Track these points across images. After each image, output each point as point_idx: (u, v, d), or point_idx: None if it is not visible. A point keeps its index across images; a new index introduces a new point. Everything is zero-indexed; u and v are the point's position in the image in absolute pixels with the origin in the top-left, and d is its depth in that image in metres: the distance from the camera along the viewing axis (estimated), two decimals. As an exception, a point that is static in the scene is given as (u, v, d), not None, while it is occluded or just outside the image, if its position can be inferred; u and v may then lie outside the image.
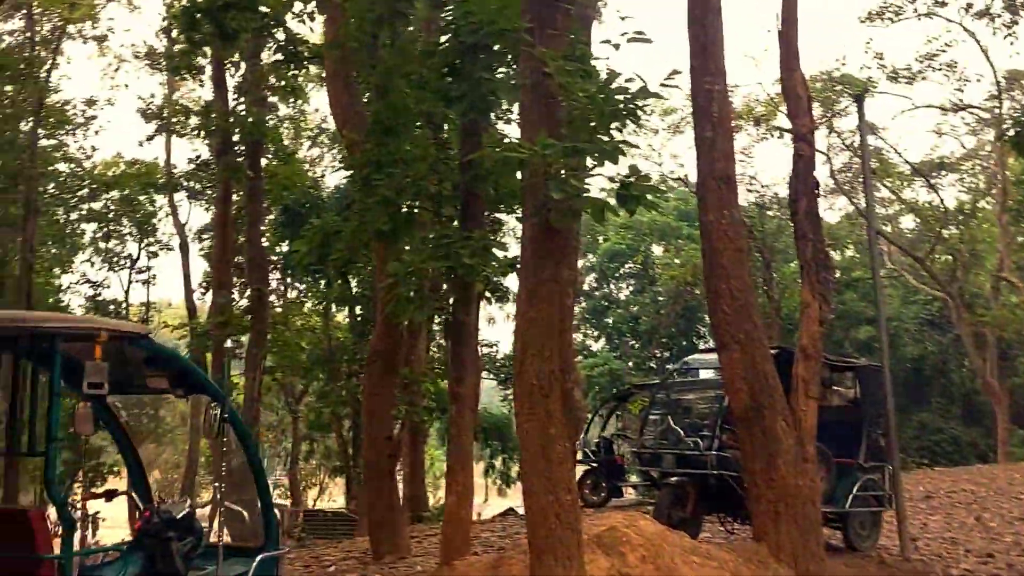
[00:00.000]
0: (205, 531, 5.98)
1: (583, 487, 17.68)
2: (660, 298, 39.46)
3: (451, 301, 11.36)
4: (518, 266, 9.64)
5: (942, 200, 30.19)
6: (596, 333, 43.76)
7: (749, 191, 31.95)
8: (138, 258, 33.56)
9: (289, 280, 29.58)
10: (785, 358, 11.34)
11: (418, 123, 11.80)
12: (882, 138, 30.47)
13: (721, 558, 9.53)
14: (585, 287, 41.89)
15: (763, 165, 60.07)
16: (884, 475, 12.69)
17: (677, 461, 12.33)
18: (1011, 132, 12.69)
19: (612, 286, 43.35)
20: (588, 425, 19.21)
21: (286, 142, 30.04)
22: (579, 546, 8.38)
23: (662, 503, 12.08)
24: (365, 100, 13.02)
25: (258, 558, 5.89)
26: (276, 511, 6.25)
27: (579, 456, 17.69)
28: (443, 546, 10.86)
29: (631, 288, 42.56)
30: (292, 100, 28.12)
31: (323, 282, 25.09)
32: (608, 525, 9.41)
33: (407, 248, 11.21)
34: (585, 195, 8.55)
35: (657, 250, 41.17)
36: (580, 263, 41.33)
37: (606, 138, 8.44)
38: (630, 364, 39.48)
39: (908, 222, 34.90)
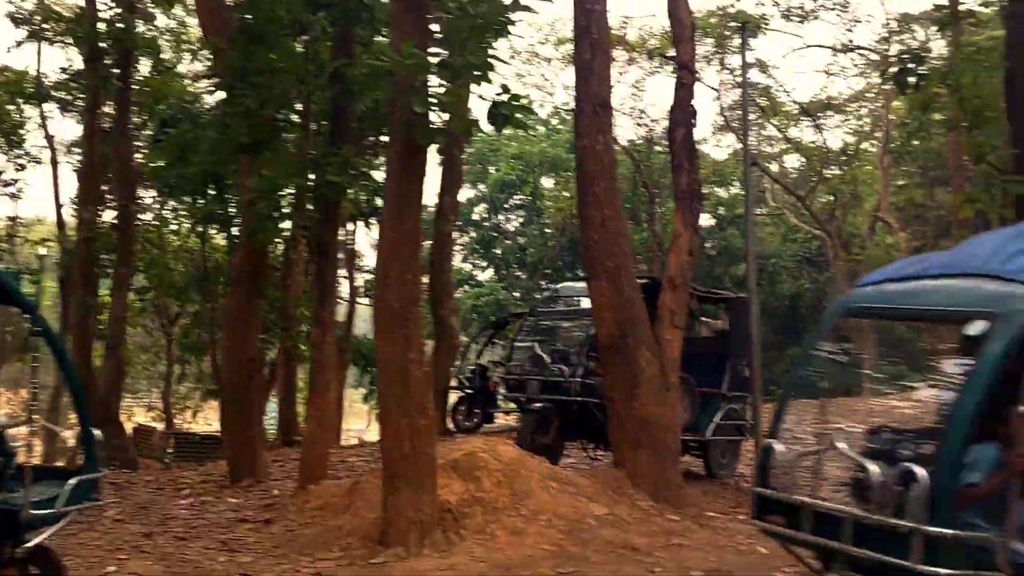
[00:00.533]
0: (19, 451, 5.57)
1: (457, 413, 17.65)
2: (548, 230, 39.45)
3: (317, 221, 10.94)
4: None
5: (825, 140, 30.75)
6: (484, 263, 43.60)
7: (639, 125, 31.91)
8: (3, 171, 31.75)
9: (163, 197, 28.44)
10: (655, 288, 11.35)
11: (287, 31, 11.20)
12: (772, 76, 30.72)
13: (578, 483, 9.55)
14: (475, 217, 41.62)
15: (653, 99, 59.75)
16: (746, 406, 12.93)
17: (542, 387, 12.33)
18: (893, 70, 12.76)
19: (501, 217, 43.13)
20: (465, 352, 19.12)
21: (167, 55, 28.65)
22: (433, 470, 8.28)
23: (525, 428, 12.08)
24: (233, 4, 12.30)
25: (72, 480, 5.52)
26: (96, 431, 5.87)
27: (453, 383, 17.65)
28: (301, 470, 10.65)
29: (520, 219, 42.43)
30: (169, 9, 26.78)
31: (199, 199, 24.13)
32: (466, 450, 9.33)
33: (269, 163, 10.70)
34: (453, 111, 8.29)
35: (547, 182, 41.03)
36: (471, 193, 41.03)
37: (478, 53, 8.14)
38: (517, 294, 39.51)
39: (793, 161, 35.48)
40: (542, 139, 38.32)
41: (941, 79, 11.63)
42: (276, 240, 14.34)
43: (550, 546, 8.28)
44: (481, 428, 17.56)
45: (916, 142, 26.62)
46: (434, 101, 7.96)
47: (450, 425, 17.26)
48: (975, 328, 4.56)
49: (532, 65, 32.28)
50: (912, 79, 11.49)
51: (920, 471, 4.35)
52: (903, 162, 30.25)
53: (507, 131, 32.31)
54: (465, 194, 39.81)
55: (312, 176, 9.97)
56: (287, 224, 11.88)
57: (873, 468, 4.57)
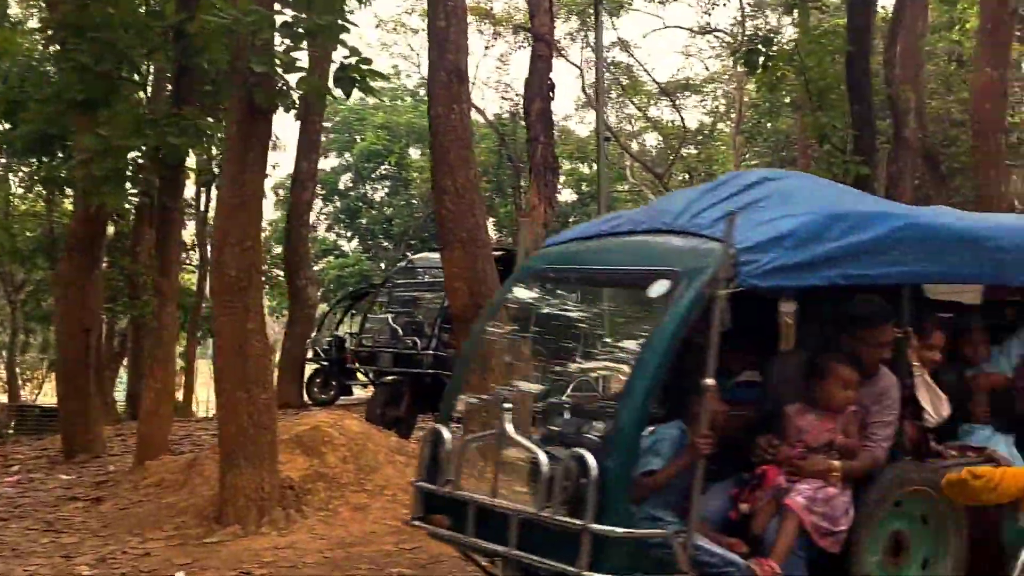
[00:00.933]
0: None
1: (313, 385, 17.36)
2: (414, 201, 39.14)
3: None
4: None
5: (683, 120, 31.41)
6: (349, 234, 42.96)
7: (504, 99, 31.94)
8: None
9: (6, 159, 26.88)
10: (511, 260, 11.33)
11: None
12: (633, 56, 31.14)
13: (427, 457, 9.45)
14: (340, 186, 40.95)
15: (519, 74, 59.60)
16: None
17: (394, 360, 12.18)
18: (744, 50, 13.11)
19: (367, 187, 42.54)
20: (322, 323, 18.79)
21: (13, 9, 27.04)
22: (273, 445, 8.04)
23: (375, 402, 11.92)
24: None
25: None
26: None
27: (309, 354, 17.31)
28: (138, 445, 10.24)
29: (386, 189, 41.93)
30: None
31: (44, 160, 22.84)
32: (311, 424, 9.13)
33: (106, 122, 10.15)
34: (299, 74, 8.02)
35: (414, 153, 40.66)
36: (336, 162, 40.29)
37: (328, 15, 7.87)
38: (383, 265, 39.10)
39: (652, 140, 36.15)
40: (409, 109, 37.94)
41: (788, 60, 11.95)
42: (125, 205, 13.71)
43: (394, 521, 8.15)
44: (338, 400, 17.31)
45: (769, 124, 27.48)
46: (277, 62, 7.66)
47: (307, 398, 16.96)
48: (657, 289, 3.96)
49: (398, 35, 31.90)
50: (761, 59, 11.75)
51: (589, 458, 3.69)
52: (755, 143, 31.17)
53: (372, 100, 31.68)
54: (330, 163, 39.10)
55: (150, 136, 9.50)
56: (129, 188, 11.34)
57: (541, 456, 3.88)
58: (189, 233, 24.32)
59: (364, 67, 8.00)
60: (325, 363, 17.38)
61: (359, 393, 18.45)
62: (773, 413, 4.49)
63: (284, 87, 7.85)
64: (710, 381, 3.75)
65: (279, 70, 7.68)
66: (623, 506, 3.72)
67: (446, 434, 4.54)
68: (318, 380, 17.40)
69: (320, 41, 8.20)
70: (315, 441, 8.82)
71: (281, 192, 29.84)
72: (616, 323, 4.60)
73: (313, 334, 17.65)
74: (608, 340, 4.49)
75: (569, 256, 4.80)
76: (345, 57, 7.98)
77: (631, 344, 4.16)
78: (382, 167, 40.81)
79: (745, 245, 3.89)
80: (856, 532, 4.17)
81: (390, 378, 12.10)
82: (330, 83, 8.32)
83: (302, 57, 8.21)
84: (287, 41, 7.85)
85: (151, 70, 13.51)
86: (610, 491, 3.67)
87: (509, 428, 4.18)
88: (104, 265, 14.67)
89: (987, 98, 11.95)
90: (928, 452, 4.78)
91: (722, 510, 4.33)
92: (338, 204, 40.97)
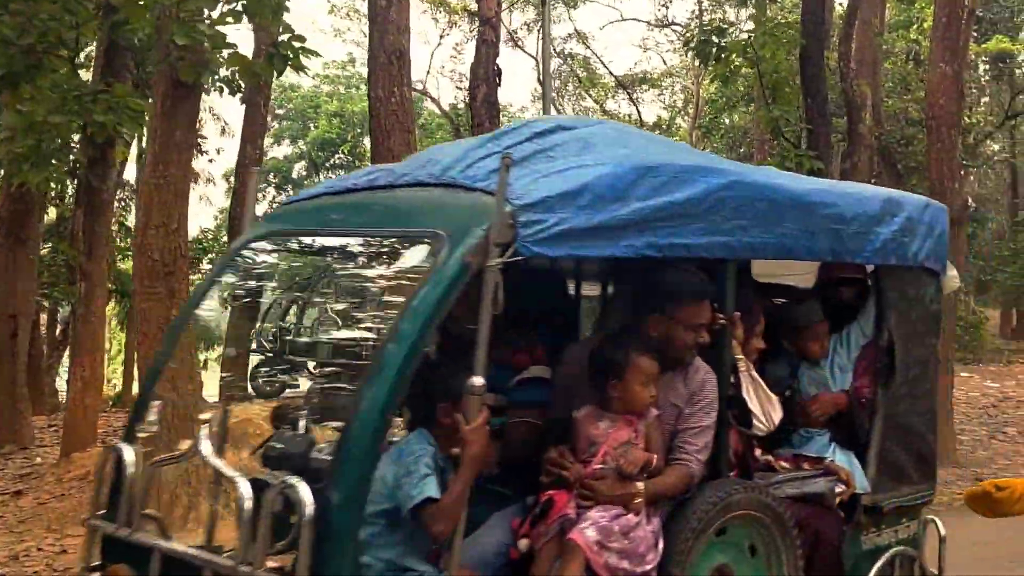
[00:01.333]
0: None
1: (256, 376, 16.95)
2: (369, 191, 38.80)
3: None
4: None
5: (640, 114, 31.34)
6: (303, 223, 42.52)
7: (459, 88, 31.65)
8: None
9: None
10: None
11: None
12: (590, 48, 31.00)
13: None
14: (294, 175, 40.52)
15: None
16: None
17: (333, 351, 11.86)
18: (696, 41, 12.95)
19: (322, 176, 42.07)
20: (267, 313, 18.37)
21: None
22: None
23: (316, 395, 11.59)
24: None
25: None
26: None
27: (253, 345, 16.90)
28: (64, 436, 9.86)
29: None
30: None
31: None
32: (243, 417, 8.77)
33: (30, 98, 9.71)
34: (228, 49, 7.67)
35: (368, 142, 40.22)
36: (290, 150, 39.82)
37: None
38: (336, 256, 38.72)
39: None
40: (363, 98, 37.54)
41: (742, 52, 11.78)
42: (49, 184, 13.23)
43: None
44: (284, 393, 16.93)
45: (726, 119, 27.47)
46: (204, 36, 7.31)
47: (251, 390, 16.55)
48: (411, 257, 3.25)
49: (352, 21, 31.50)
50: (714, 50, 11.58)
51: (302, 488, 2.70)
52: (712, 137, 31.25)
53: (326, 88, 31.30)
54: (283, 151, 38.64)
55: (75, 113, 9.08)
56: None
57: (241, 486, 2.86)
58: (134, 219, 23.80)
59: (297, 44, 7.71)
60: (270, 355, 17.01)
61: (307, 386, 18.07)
62: (565, 419, 3.55)
63: (209, 62, 7.50)
64: (478, 380, 2.85)
65: (206, 45, 7.33)
66: (349, 555, 2.78)
67: (128, 455, 3.39)
68: (262, 372, 17.01)
69: (259, 20, 7.83)
70: (246, 435, 8.47)
71: (232, 180, 29.37)
72: (361, 303, 3.54)
73: (257, 324, 17.25)
74: (347, 327, 3.48)
75: (310, 215, 3.79)
76: (278, 35, 7.69)
77: (373, 331, 3.25)
78: (336, 155, 40.37)
79: (526, 201, 3.02)
80: (667, 570, 3.29)
81: (329, 370, 11.78)
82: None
83: (243, 37, 7.83)
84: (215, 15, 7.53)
85: (92, 47, 13.06)
86: (332, 534, 2.72)
87: (205, 447, 3.15)
88: (45, 250, 14.21)
89: (942, 93, 11.88)
90: (755, 465, 3.98)
91: (502, 548, 3.37)
92: (291, 192, 40.49)
